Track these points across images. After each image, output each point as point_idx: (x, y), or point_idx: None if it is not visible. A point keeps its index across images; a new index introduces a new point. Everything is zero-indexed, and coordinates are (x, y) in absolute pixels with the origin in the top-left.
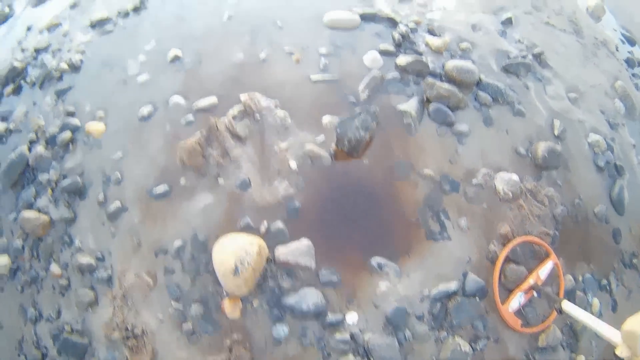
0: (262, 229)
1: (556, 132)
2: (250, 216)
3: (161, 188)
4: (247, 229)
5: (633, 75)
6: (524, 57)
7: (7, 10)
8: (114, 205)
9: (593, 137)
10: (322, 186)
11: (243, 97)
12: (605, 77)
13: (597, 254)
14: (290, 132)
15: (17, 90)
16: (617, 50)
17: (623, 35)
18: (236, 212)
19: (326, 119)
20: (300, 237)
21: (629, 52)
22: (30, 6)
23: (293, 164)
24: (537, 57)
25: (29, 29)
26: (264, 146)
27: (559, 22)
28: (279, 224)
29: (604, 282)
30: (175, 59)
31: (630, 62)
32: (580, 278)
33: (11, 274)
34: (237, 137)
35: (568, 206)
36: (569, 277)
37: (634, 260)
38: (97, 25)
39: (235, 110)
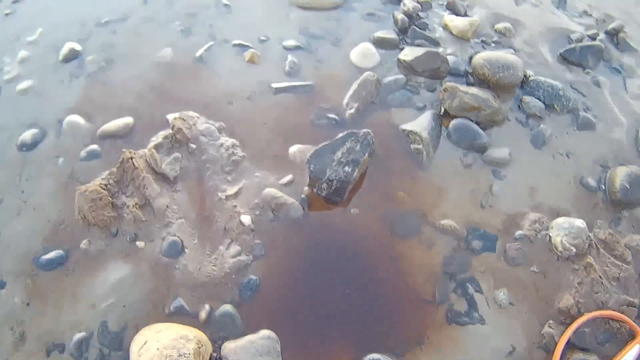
0: (203, 315)
1: None
2: (183, 296)
3: (53, 254)
4: (180, 314)
5: None
6: (592, 37)
7: None
8: None
9: None
10: (290, 250)
11: (171, 117)
12: None
13: None
14: (241, 169)
15: None
16: None
17: None
18: (163, 291)
19: (294, 150)
20: (258, 328)
21: None
22: None
23: (246, 219)
24: (614, 35)
25: None
26: (203, 192)
27: None
28: (227, 308)
29: None
30: (72, 56)
31: None
32: None
33: None
34: (162, 178)
35: None
36: None
37: None
38: None
39: (160, 137)
